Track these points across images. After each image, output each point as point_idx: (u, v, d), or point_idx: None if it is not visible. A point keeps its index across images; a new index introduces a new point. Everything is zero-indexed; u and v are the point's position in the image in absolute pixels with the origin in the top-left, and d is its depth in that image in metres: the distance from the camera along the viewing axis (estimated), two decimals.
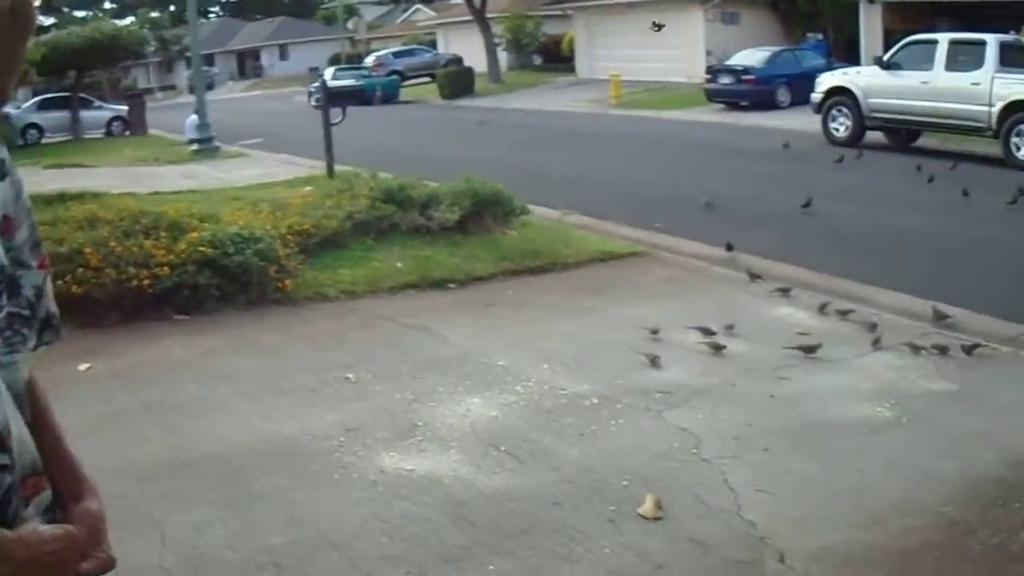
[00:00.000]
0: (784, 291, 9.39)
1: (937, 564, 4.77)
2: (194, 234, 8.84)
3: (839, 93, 22.00)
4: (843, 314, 8.61)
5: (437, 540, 4.77)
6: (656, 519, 5.03)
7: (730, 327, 8.07)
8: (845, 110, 21.74)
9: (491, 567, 4.55)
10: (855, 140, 21.29)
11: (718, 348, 7.67)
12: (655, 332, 7.91)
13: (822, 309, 8.76)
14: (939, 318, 8.62)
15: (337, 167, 15.25)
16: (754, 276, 9.85)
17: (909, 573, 4.69)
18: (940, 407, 6.74)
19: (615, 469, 5.60)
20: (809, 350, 7.61)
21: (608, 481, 5.45)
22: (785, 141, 20.76)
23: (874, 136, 21.83)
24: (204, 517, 4.97)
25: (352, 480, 5.42)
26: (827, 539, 4.91)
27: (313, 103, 37.26)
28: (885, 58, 21.69)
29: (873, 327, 8.12)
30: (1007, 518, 5.20)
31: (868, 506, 5.28)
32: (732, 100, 30.40)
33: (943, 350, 7.74)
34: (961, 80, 19.86)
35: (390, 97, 41.50)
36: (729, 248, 10.83)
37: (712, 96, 30.95)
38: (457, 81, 42.04)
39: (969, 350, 7.75)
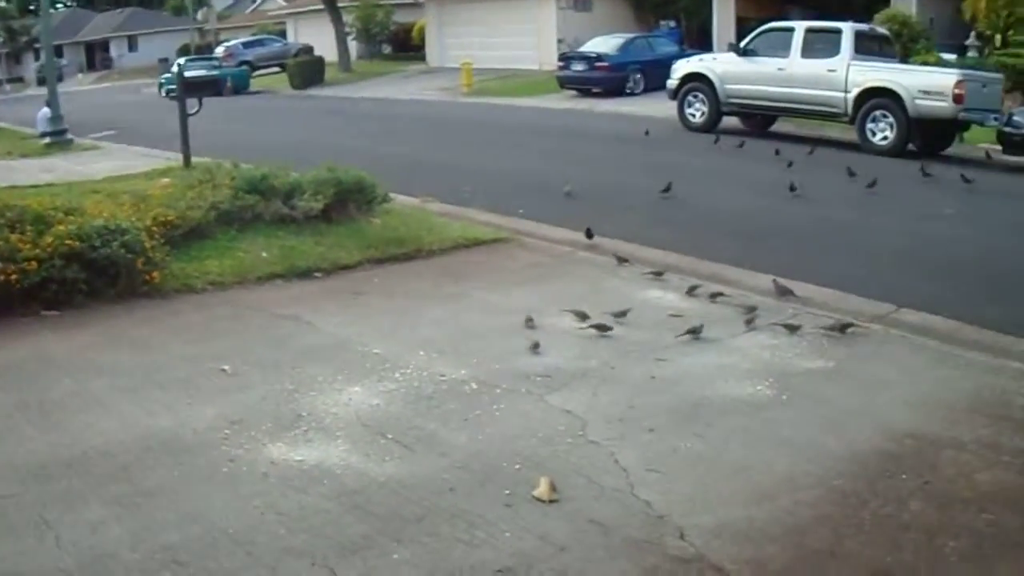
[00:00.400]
0: (657, 274, 9.53)
1: (832, 535, 4.88)
2: (60, 227, 8.52)
3: (695, 79, 22.34)
4: (712, 296, 8.75)
5: (337, 530, 4.69)
6: (552, 501, 5.04)
7: (622, 314, 8.11)
8: (701, 96, 22.10)
9: (395, 556, 4.49)
10: (711, 126, 21.68)
11: (604, 329, 7.71)
12: (529, 318, 7.91)
13: (691, 291, 8.89)
14: (782, 292, 8.84)
15: (194, 159, 14.93)
16: (621, 260, 9.95)
17: (806, 545, 4.79)
18: (818, 384, 6.90)
19: (504, 453, 5.59)
20: (694, 332, 7.70)
21: (499, 465, 5.44)
22: (646, 128, 20.98)
23: (730, 122, 22.23)
24: (97, 516, 4.78)
25: (242, 473, 5.29)
26: (723, 515, 4.99)
27: (164, 94, 36.43)
28: (742, 45, 22.08)
29: (751, 309, 8.28)
30: (895, 489, 5.35)
31: (759, 482, 5.38)
32: (585, 87, 30.65)
33: (823, 329, 7.96)
34: (817, 67, 20.39)
35: (241, 88, 40.80)
36: (589, 235, 10.88)
37: (565, 83, 31.15)
38: (307, 71, 41.58)
39: (842, 328, 7.97)
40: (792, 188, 13.91)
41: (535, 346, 7.32)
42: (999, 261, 10.84)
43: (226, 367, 6.90)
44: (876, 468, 5.63)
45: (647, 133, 20.16)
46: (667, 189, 13.75)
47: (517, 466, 5.43)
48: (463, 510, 4.93)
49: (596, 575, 4.45)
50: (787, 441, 5.94)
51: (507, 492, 5.14)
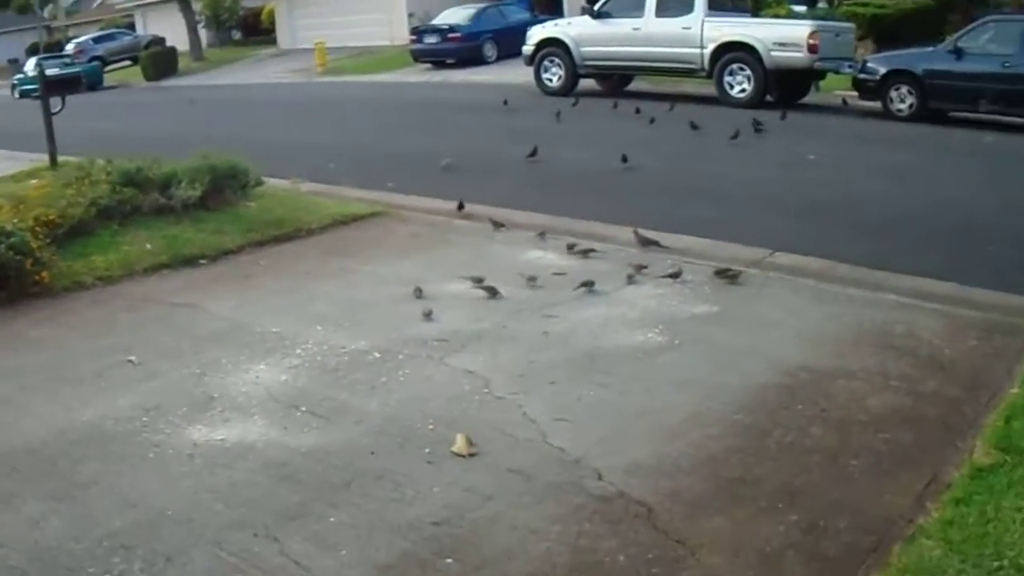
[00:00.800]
0: (540, 235, 9.73)
1: (742, 465, 5.18)
2: None
3: (551, 44, 22.44)
4: (589, 252, 9.02)
5: (271, 501, 4.81)
6: (471, 455, 5.23)
7: (533, 278, 8.27)
8: (557, 60, 22.22)
9: (332, 519, 4.63)
10: (569, 89, 21.84)
11: (494, 293, 7.89)
12: (417, 287, 8.04)
13: (571, 249, 9.10)
14: (644, 243, 9.13)
15: (62, 158, 14.60)
16: (497, 225, 10.11)
17: (719, 475, 5.07)
18: (707, 328, 7.21)
19: (417, 415, 5.75)
20: (588, 285, 7.95)
21: (414, 427, 5.60)
22: (505, 96, 21.03)
23: (587, 84, 22.44)
24: (36, 511, 4.80)
25: (169, 457, 5.35)
26: (636, 455, 5.24)
27: (19, 96, 35.33)
28: (596, 8, 22.14)
29: (640, 268, 8.51)
30: (795, 418, 5.68)
31: (665, 422, 5.65)
32: (439, 59, 30.65)
33: (705, 276, 8.29)
34: (672, 25, 20.64)
35: (95, 83, 39.72)
36: (460, 207, 11.00)
37: (418, 56, 31.10)
38: (160, 62, 40.71)
39: (721, 274, 8.31)
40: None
41: (428, 313, 7.47)
42: (863, 201, 11.31)
43: (132, 358, 6.89)
44: (774, 401, 5.96)
45: (505, 103, 20.15)
46: (533, 153, 13.91)
47: (431, 426, 5.61)
48: (388, 471, 5.09)
49: (526, 519, 4.66)
50: (685, 382, 6.22)
51: (427, 451, 5.31)
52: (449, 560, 4.33)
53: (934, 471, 5.15)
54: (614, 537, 4.53)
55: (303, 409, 5.89)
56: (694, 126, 15.68)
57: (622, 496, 4.87)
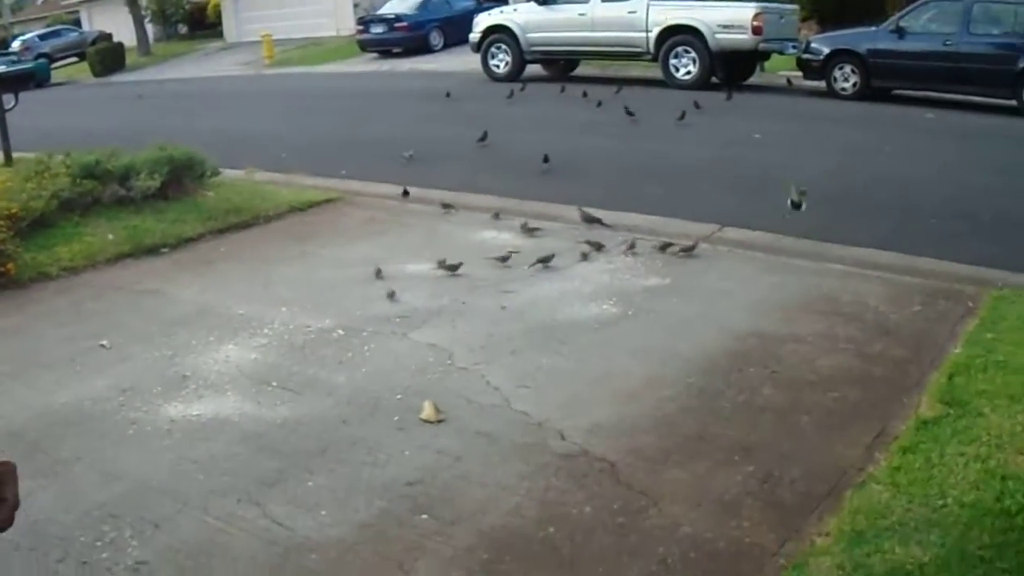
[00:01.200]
0: (495, 216, 9.88)
1: (698, 423, 5.38)
2: None
3: (497, 31, 22.41)
4: (541, 231, 9.19)
5: (251, 469, 4.94)
6: (439, 421, 5.39)
7: (493, 258, 8.39)
8: (504, 47, 22.22)
9: (310, 483, 4.78)
10: (516, 75, 21.85)
11: (453, 269, 8.04)
12: (377, 268, 8.16)
13: (524, 229, 9.26)
14: (588, 220, 9.32)
15: (15, 154, 14.55)
16: (446, 207, 10.25)
17: (677, 433, 5.27)
18: (659, 299, 7.40)
19: (384, 387, 5.90)
20: (544, 261, 8.13)
21: (382, 397, 5.75)
22: (452, 82, 21.05)
23: (533, 69, 22.53)
24: (23, 488, 4.82)
25: (147, 433, 5.45)
26: (596, 417, 5.43)
27: None
28: None
29: (593, 244, 8.69)
30: (747, 380, 5.89)
31: (622, 386, 5.84)
32: (385, 48, 30.58)
33: (655, 251, 8.53)
34: (618, 10, 20.67)
35: (42, 80, 39.25)
36: (405, 194, 11.08)
37: (365, 46, 31.02)
38: (108, 57, 40.23)
39: (666, 248, 8.49)
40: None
41: (392, 294, 7.58)
42: (808, 178, 11.46)
43: (104, 342, 6.96)
44: (726, 365, 6.16)
45: (448, 95, 19.89)
46: (483, 138, 14.00)
47: (399, 396, 5.75)
48: (360, 438, 5.24)
49: (495, 476, 4.83)
50: (640, 350, 6.41)
51: (396, 419, 5.46)
52: (425, 516, 4.49)
53: (882, 425, 5.37)
54: (580, 491, 4.71)
55: (274, 384, 6.02)
56: (629, 112, 15.81)
57: (585, 454, 5.06)
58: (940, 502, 4.49)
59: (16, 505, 1.96)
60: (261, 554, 4.22)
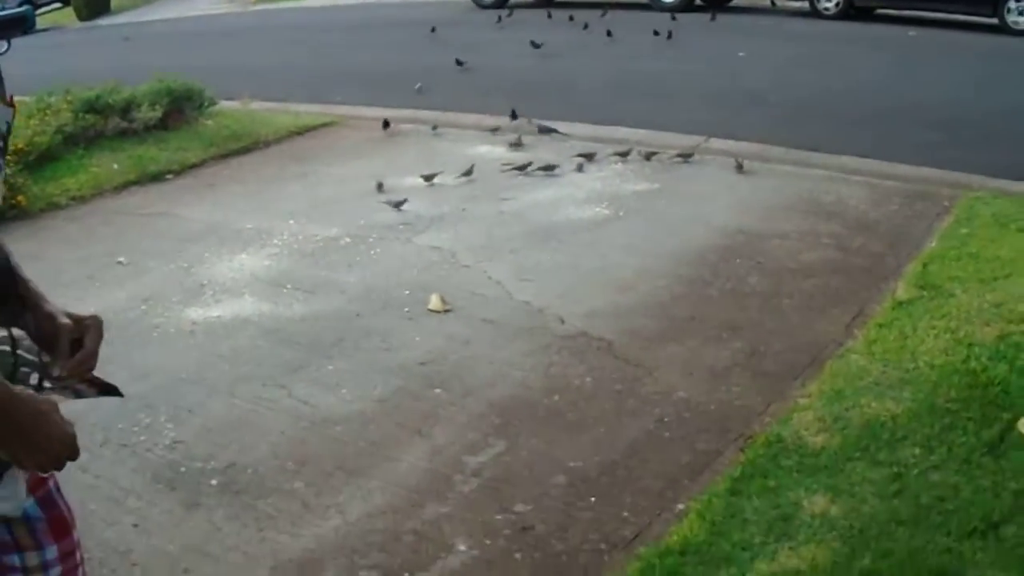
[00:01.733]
0: (493, 130, 10.06)
1: (689, 307, 5.68)
2: None
3: None
4: (522, 145, 9.36)
5: (274, 358, 5.19)
6: (446, 312, 5.64)
7: (469, 172, 8.52)
8: None
9: (331, 367, 5.04)
10: (503, 2, 21.80)
11: (429, 179, 8.25)
12: (379, 182, 8.33)
13: (515, 143, 9.45)
14: (543, 131, 9.62)
15: (16, 98, 14.64)
16: (435, 127, 10.43)
17: (669, 316, 5.57)
18: (650, 202, 7.65)
19: (393, 284, 6.14)
20: (548, 168, 8.40)
21: (391, 293, 5.99)
22: (434, 20, 20.99)
23: None
24: None
25: (171, 334, 5.68)
26: (593, 304, 5.73)
27: None
28: None
29: (591, 155, 8.87)
30: (733, 270, 6.17)
31: (617, 278, 6.11)
32: None
33: (646, 157, 8.73)
34: None
35: (28, 27, 39.00)
36: (386, 125, 10.89)
37: None
38: (93, 1, 40.00)
39: (651, 156, 8.72)
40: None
41: (394, 203, 7.74)
42: (792, 92, 11.67)
43: (121, 259, 7.17)
44: (714, 257, 6.43)
45: (433, 30, 19.75)
46: (460, 63, 14.09)
47: (407, 292, 5.99)
48: (374, 328, 5.49)
49: (502, 355, 5.11)
50: (633, 247, 6.66)
51: (406, 310, 5.71)
52: (438, 390, 4.75)
53: (860, 307, 5.66)
54: (580, 364, 4.98)
55: (288, 286, 6.24)
56: (609, 34, 15.90)
57: (584, 335, 5.31)
58: (912, 365, 4.78)
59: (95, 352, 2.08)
60: (289, 428, 4.48)
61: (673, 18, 16.27)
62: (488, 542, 3.67)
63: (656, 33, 15.70)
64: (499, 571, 3.53)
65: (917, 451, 4.04)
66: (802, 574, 3.38)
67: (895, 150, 8.99)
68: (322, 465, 4.18)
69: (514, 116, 10.13)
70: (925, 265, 6.12)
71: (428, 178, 8.31)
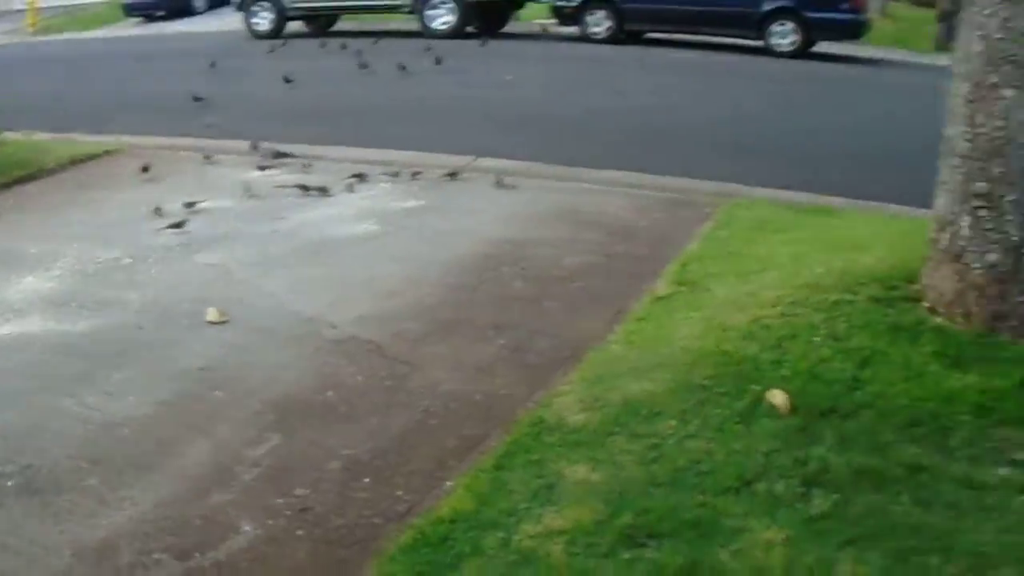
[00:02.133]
0: (277, 157, 10.32)
1: (454, 311, 6.16)
2: None
3: None
4: (305, 167, 9.70)
5: (62, 370, 5.36)
6: (224, 322, 5.95)
7: (244, 194, 8.82)
8: (267, 5, 22.18)
9: (117, 376, 5.27)
10: (277, 32, 21.89)
11: (192, 205, 8.47)
12: (157, 206, 8.49)
13: (286, 167, 9.78)
14: (276, 156, 10.11)
15: None
16: (207, 157, 10.64)
17: (435, 319, 6.03)
18: (417, 217, 8.13)
19: (173, 299, 6.41)
20: (314, 189, 8.78)
21: (172, 307, 6.26)
22: (217, 42, 20.94)
23: (294, 26, 22.66)
24: None
25: None
26: (363, 310, 6.14)
27: None
28: None
29: (360, 176, 9.28)
30: (498, 276, 6.69)
31: (385, 286, 6.54)
32: (150, 11, 30.05)
33: (413, 176, 9.22)
34: None
35: None
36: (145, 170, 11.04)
37: (130, 10, 30.39)
38: None
39: (417, 176, 9.18)
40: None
41: (173, 225, 7.96)
42: (559, 113, 12.29)
43: None
44: (480, 265, 6.92)
45: (213, 65, 19.75)
46: (198, 99, 14.11)
47: (186, 305, 6.27)
48: (156, 339, 5.76)
49: (277, 359, 5.48)
50: (401, 258, 7.11)
51: (186, 322, 5.99)
52: (218, 393, 5.07)
53: (622, 305, 6.13)
54: (351, 365, 5.38)
55: (73, 304, 6.37)
56: (363, 65, 16.32)
57: (354, 339, 5.71)
58: (668, 350, 5.16)
59: None
60: (80, 431, 4.71)
61: (433, 56, 16.83)
62: (271, 522, 3.99)
63: (434, 60, 16.18)
64: (282, 547, 3.85)
65: (673, 423, 4.36)
66: (567, 533, 3.66)
67: (660, 165, 9.66)
68: (114, 463, 4.43)
69: (255, 147, 10.53)
70: (684, 264, 6.65)
71: (190, 205, 8.50)
